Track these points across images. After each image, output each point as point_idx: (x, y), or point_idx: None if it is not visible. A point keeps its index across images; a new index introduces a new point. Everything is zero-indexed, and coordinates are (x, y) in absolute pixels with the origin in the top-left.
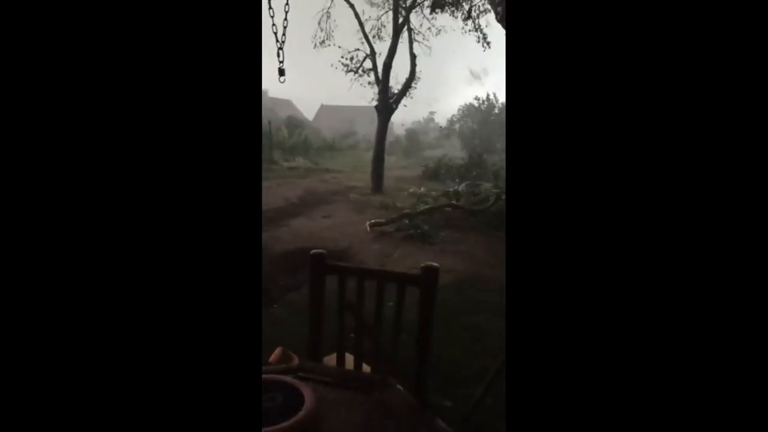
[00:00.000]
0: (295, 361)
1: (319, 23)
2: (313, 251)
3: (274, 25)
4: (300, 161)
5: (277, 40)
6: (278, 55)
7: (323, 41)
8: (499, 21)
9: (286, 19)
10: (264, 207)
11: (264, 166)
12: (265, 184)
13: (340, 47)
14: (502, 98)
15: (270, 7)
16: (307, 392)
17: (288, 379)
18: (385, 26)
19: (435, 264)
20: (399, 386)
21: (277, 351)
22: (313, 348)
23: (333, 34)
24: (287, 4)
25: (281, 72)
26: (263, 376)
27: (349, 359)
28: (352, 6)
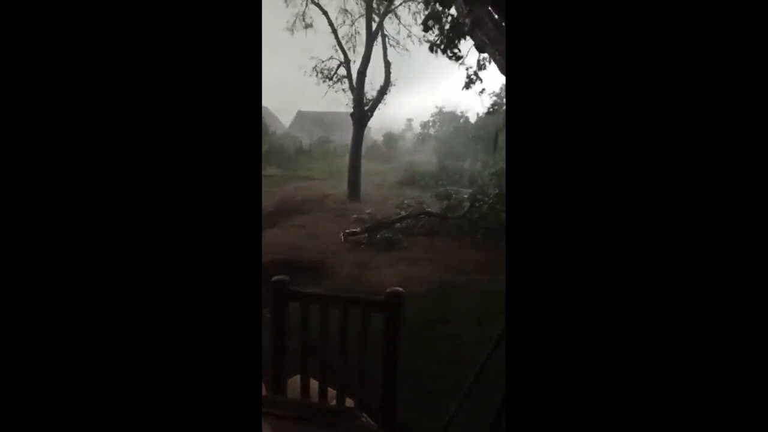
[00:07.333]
0: (263, 391)
1: (293, 27)
2: (274, 278)
3: None
4: (276, 169)
5: None
6: None
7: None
8: (467, 33)
9: None
10: None
11: None
12: None
13: (312, 58)
14: (465, 105)
15: None
16: (266, 431)
17: None
18: (359, 33)
19: (399, 289)
20: (365, 416)
21: None
22: (274, 380)
23: (308, 40)
24: None
25: None
26: None
27: (314, 384)
28: (325, 13)
